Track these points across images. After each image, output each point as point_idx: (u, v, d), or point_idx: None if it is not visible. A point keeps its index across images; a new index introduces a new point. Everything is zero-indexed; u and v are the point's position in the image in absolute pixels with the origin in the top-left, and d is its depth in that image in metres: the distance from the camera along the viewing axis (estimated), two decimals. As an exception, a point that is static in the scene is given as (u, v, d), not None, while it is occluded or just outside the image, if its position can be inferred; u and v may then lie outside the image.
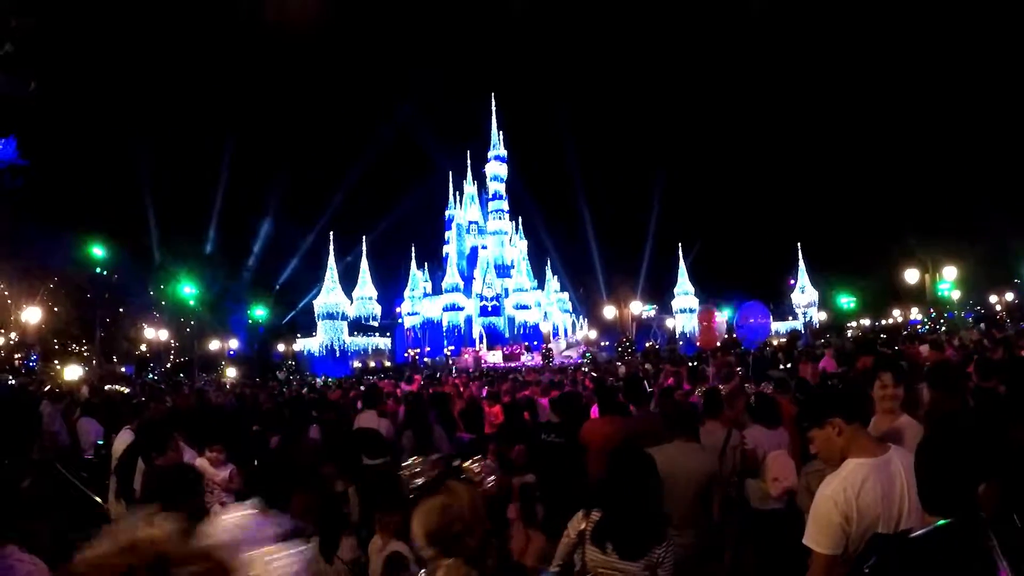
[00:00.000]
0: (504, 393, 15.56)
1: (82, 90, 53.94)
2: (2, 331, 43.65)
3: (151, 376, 54.99)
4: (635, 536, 4.13)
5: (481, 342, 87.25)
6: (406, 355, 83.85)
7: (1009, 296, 68.84)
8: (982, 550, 2.10)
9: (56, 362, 45.72)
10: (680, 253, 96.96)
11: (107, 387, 25.45)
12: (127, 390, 24.44)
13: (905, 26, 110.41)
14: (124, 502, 7.23)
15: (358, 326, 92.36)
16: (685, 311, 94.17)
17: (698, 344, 14.08)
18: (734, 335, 15.13)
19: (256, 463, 8.77)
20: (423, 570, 3.29)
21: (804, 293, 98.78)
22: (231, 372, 60.61)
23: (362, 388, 18.86)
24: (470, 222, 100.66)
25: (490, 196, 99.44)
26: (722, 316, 13.84)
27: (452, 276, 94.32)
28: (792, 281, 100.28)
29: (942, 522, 2.25)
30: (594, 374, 22.14)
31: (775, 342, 34.05)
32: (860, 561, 2.43)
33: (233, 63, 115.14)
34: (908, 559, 2.27)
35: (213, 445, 7.40)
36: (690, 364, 17.82)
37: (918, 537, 2.30)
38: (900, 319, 79.71)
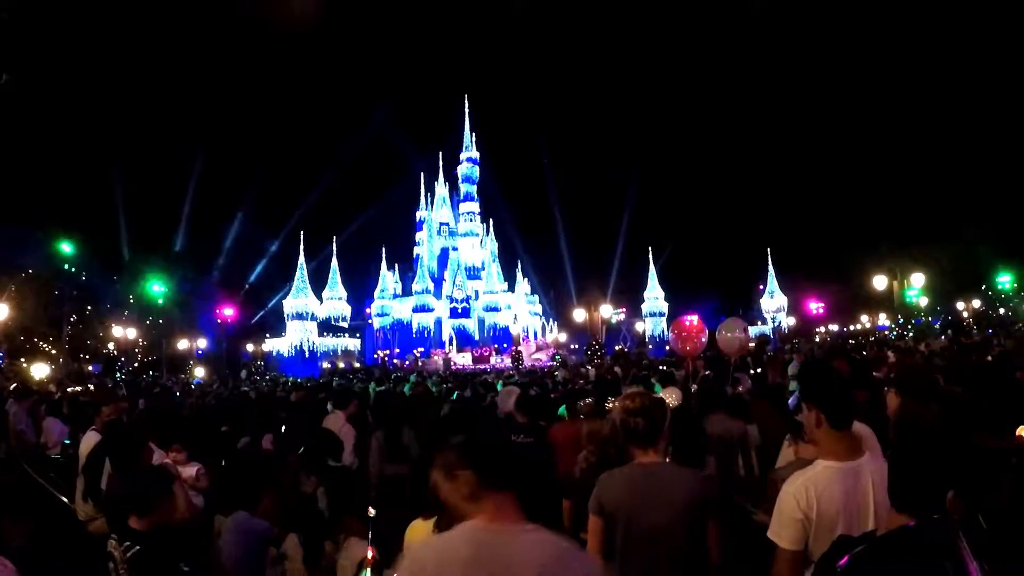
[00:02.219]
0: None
1: (54, 85, 53.49)
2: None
3: (119, 375, 54.44)
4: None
5: (451, 344, 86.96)
6: (376, 356, 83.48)
7: (976, 303, 69.50)
8: (952, 550, 2.13)
9: (23, 360, 45.18)
10: (650, 257, 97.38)
11: (70, 389, 25.10)
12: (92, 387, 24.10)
13: (875, 33, 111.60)
14: (91, 502, 7.16)
15: (328, 327, 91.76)
16: (655, 315, 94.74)
17: (679, 350, 14.05)
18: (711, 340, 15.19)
19: (224, 463, 8.72)
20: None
21: (773, 298, 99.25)
22: (199, 371, 60.10)
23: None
24: (441, 224, 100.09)
25: (461, 198, 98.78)
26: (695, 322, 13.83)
27: (422, 278, 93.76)
28: (761, 286, 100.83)
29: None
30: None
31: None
32: (829, 561, 2.44)
33: (205, 62, 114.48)
34: (880, 559, 2.29)
35: (175, 444, 7.40)
36: (660, 368, 17.89)
37: (888, 537, 2.32)
38: (868, 325, 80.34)
